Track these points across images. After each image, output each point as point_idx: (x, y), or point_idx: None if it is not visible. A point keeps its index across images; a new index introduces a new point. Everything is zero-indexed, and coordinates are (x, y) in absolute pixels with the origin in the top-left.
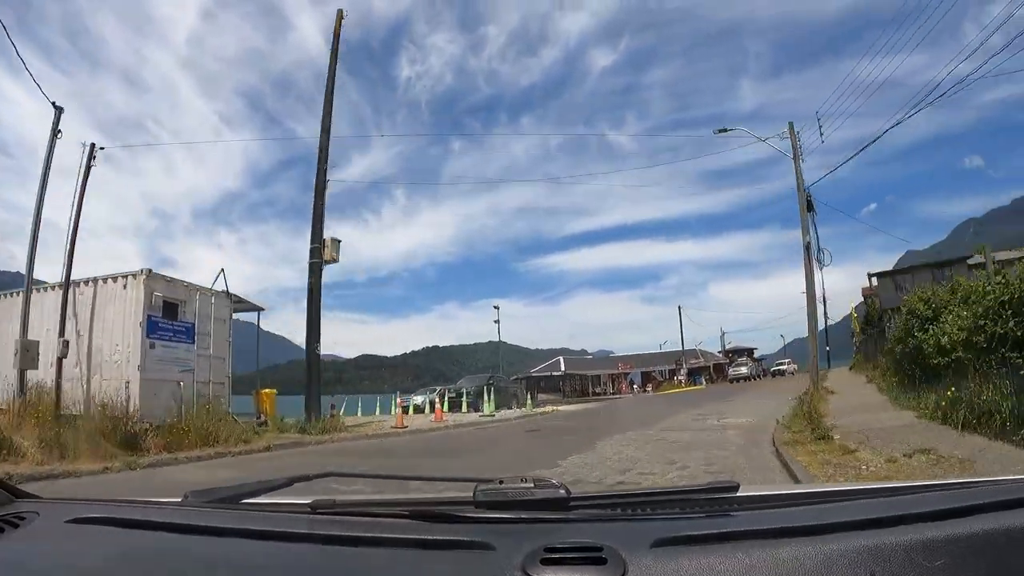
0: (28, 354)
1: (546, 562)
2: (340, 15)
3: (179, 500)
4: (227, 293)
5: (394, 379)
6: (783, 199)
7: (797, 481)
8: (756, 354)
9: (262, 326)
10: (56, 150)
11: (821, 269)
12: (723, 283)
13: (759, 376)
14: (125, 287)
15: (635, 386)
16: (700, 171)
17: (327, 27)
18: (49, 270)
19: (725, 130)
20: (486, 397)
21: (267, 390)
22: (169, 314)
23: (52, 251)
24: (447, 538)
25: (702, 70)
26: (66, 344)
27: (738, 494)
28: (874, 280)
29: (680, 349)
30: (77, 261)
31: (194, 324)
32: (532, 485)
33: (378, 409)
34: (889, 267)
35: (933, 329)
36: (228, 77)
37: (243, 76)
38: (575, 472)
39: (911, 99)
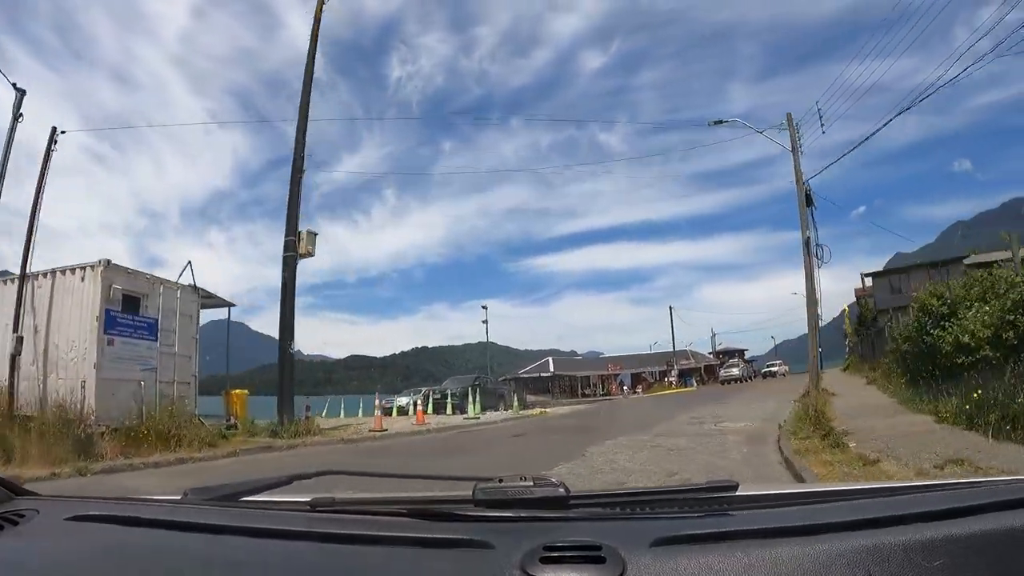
0: None
1: (545, 561)
2: None
3: (178, 498)
4: (194, 287)
5: (383, 379)
6: (773, 201)
7: None
8: (746, 355)
9: (250, 326)
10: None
11: (820, 266)
12: (713, 285)
13: (750, 378)
14: (83, 279)
15: (625, 387)
16: (690, 173)
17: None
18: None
19: (721, 122)
20: (471, 399)
21: (237, 391)
22: (130, 308)
23: (45, 250)
24: (446, 536)
25: (693, 72)
26: (20, 340)
27: (737, 493)
28: (868, 281)
29: (671, 350)
30: (68, 259)
31: (157, 320)
32: (531, 484)
33: (360, 411)
34: (878, 269)
35: (951, 326)
36: (218, 75)
37: (233, 74)
38: None
39: (910, 94)
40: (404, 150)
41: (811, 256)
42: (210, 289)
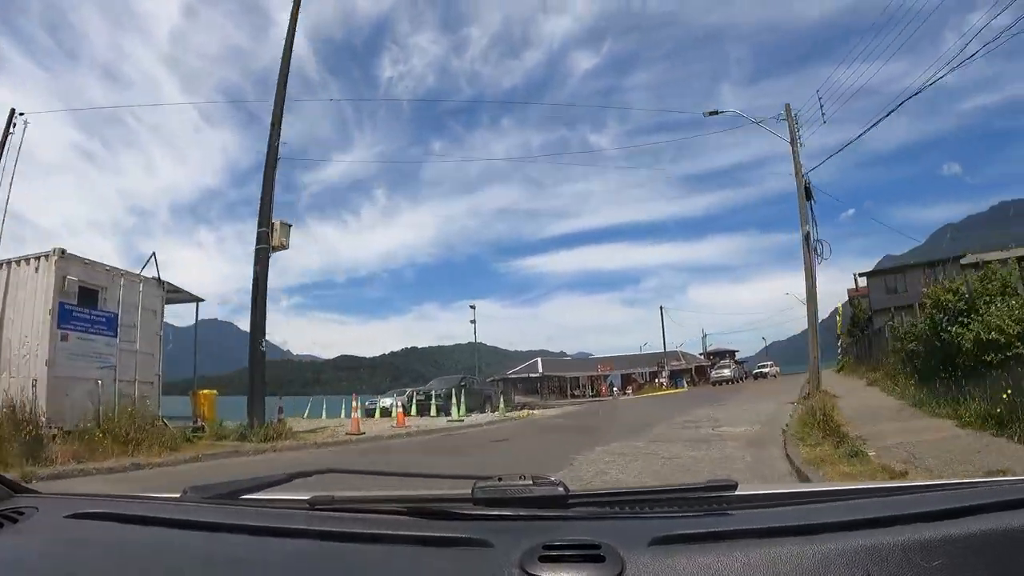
0: None
1: (544, 559)
2: None
3: (178, 496)
4: (158, 280)
5: (373, 380)
6: (764, 203)
7: None
8: (738, 356)
9: (239, 325)
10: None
11: (820, 262)
12: (703, 286)
13: (741, 379)
14: (37, 270)
15: (615, 388)
16: (681, 174)
17: (309, 27)
18: None
19: (717, 112)
20: (455, 400)
21: (205, 391)
22: (87, 302)
23: (33, 248)
24: (445, 535)
25: (684, 74)
26: None
27: (735, 493)
28: (861, 281)
29: (661, 351)
30: None
31: (117, 314)
32: (531, 482)
33: (343, 412)
34: (872, 270)
35: (972, 322)
36: (208, 73)
37: (223, 73)
38: None
39: (908, 92)
40: (395, 149)
41: (811, 252)
42: (202, 289)
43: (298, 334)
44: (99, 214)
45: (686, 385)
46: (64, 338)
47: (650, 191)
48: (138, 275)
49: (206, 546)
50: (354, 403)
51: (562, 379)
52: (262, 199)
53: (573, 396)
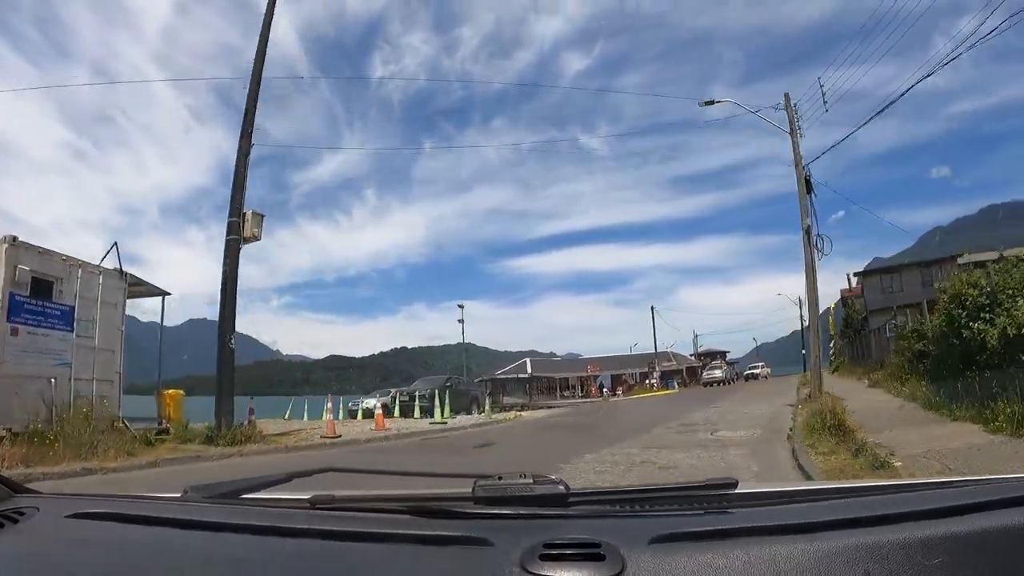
0: None
1: (544, 558)
2: None
3: (179, 495)
4: (120, 272)
5: (362, 380)
6: (752, 206)
7: None
8: (728, 357)
9: None
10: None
11: (821, 258)
12: (693, 287)
13: (732, 380)
14: None
15: (605, 389)
16: (671, 176)
17: (300, 25)
18: None
19: (712, 102)
20: (438, 401)
21: (171, 391)
22: (41, 293)
23: None
24: (446, 534)
25: (674, 76)
26: None
27: (736, 491)
28: (854, 281)
29: (652, 351)
30: None
31: (74, 307)
32: (531, 481)
33: (324, 413)
34: (868, 269)
35: (998, 317)
36: (198, 71)
37: (213, 71)
38: None
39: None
40: (385, 148)
41: (812, 247)
42: (192, 287)
43: (288, 334)
44: (88, 213)
45: (677, 386)
46: (14, 332)
47: (640, 192)
48: (98, 266)
49: (207, 546)
50: (328, 404)
51: (551, 380)
52: (233, 188)
53: (563, 397)
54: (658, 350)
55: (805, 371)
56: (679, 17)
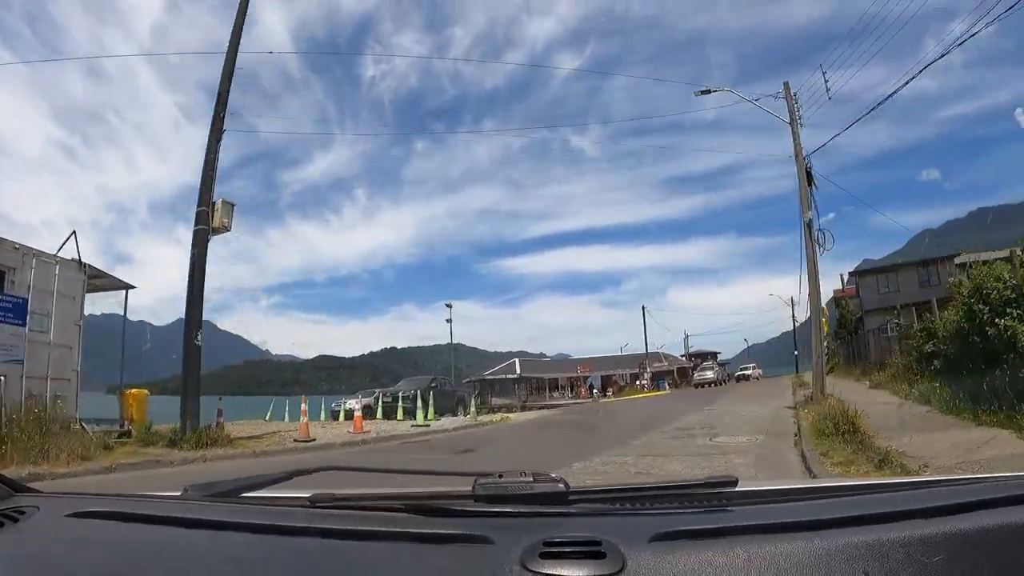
0: None
1: (545, 556)
2: None
3: (179, 494)
4: (79, 262)
5: (352, 380)
6: (742, 208)
7: None
8: (719, 358)
9: (218, 325)
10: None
11: (823, 253)
12: (683, 289)
13: (724, 381)
14: None
15: (595, 390)
16: (663, 178)
17: (291, 24)
18: None
19: (708, 91)
20: (420, 403)
21: (134, 390)
22: None
23: None
24: (446, 532)
25: (666, 77)
26: None
27: (736, 489)
28: (847, 281)
29: (643, 352)
30: None
31: (27, 299)
32: (531, 479)
33: (307, 414)
34: (864, 269)
35: None
36: (189, 69)
37: (204, 69)
38: None
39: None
40: (376, 149)
41: (813, 242)
42: (182, 286)
43: (278, 334)
44: (77, 211)
45: (668, 387)
46: None
47: (632, 193)
48: (55, 256)
49: (208, 544)
50: (303, 405)
51: (540, 380)
52: (203, 175)
53: (552, 398)
54: (649, 351)
55: (797, 372)
56: (671, 19)
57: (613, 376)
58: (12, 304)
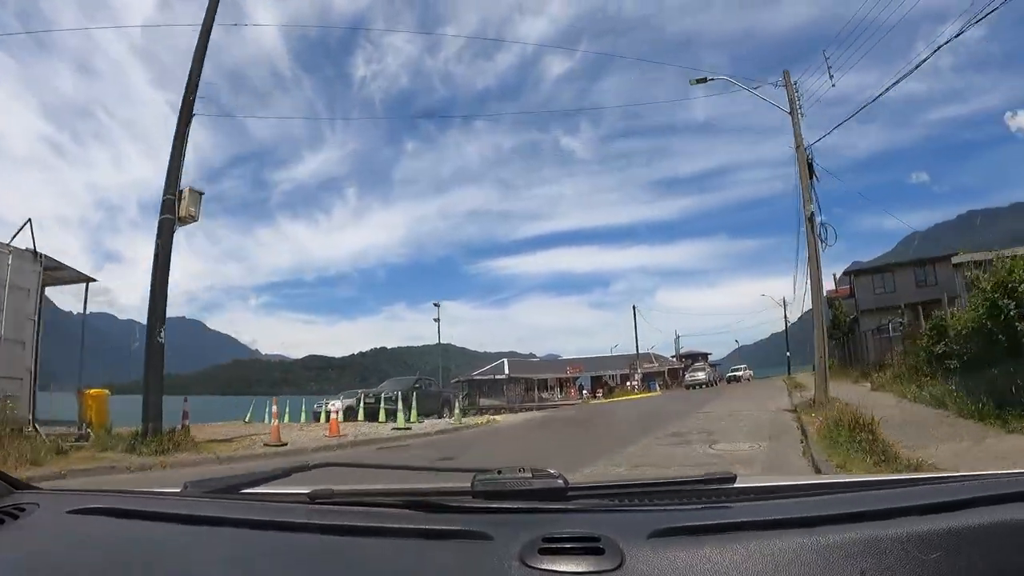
0: None
1: (544, 552)
2: None
3: (179, 490)
4: (34, 252)
5: (341, 380)
6: (732, 210)
7: None
8: (710, 359)
9: (207, 323)
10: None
11: (825, 248)
12: (672, 290)
13: (715, 382)
14: None
15: (585, 391)
16: (652, 179)
17: (283, 23)
18: None
19: (704, 79)
20: (401, 405)
21: (94, 390)
22: None
23: None
24: (445, 528)
25: (657, 79)
26: None
27: (735, 485)
28: (841, 281)
29: (633, 353)
30: None
31: None
32: (530, 475)
33: (287, 416)
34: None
35: None
36: (182, 68)
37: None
38: None
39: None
40: (367, 149)
41: (816, 236)
42: (172, 287)
43: (267, 333)
44: (66, 209)
45: (659, 388)
46: None
47: (621, 195)
48: (7, 246)
49: (207, 540)
50: (274, 407)
51: (529, 381)
52: (171, 161)
53: (541, 399)
54: (639, 351)
55: (789, 373)
56: (661, 20)
57: (603, 377)
58: None
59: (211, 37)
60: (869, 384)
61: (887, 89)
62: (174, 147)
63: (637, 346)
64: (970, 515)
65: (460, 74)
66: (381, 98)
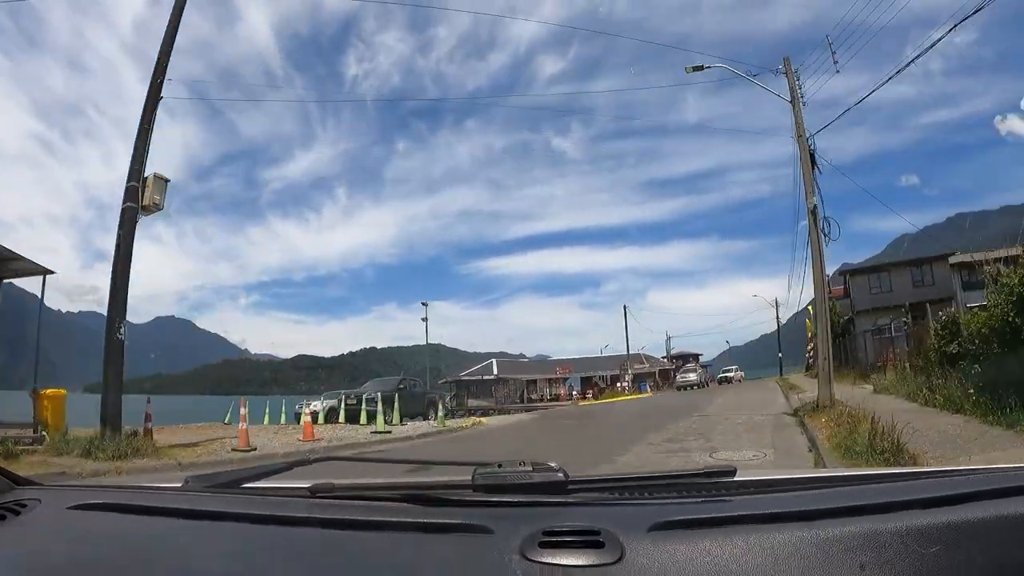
0: None
1: (544, 545)
2: None
3: (180, 485)
4: None
5: (331, 380)
6: (722, 212)
7: None
8: (701, 360)
9: (197, 323)
10: None
11: (828, 243)
12: (663, 291)
13: (707, 384)
14: None
15: (574, 392)
16: (642, 180)
17: (276, 23)
18: None
19: (700, 67)
20: (381, 407)
21: (51, 391)
22: None
23: None
24: (446, 521)
25: (649, 79)
26: None
27: (736, 479)
28: (834, 281)
29: (624, 353)
30: None
31: None
32: (530, 469)
33: (266, 417)
34: (856, 268)
35: None
36: (174, 67)
37: (188, 66)
38: None
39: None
40: (358, 147)
41: (818, 230)
42: (161, 285)
43: (257, 333)
44: (56, 207)
45: (650, 389)
46: None
47: (612, 196)
48: None
49: (209, 535)
50: (242, 409)
51: (518, 382)
52: (135, 148)
53: (530, 400)
54: (630, 352)
55: (781, 374)
56: (655, 22)
57: (593, 378)
58: None
59: (185, 19)
60: (871, 386)
61: (889, 78)
62: (139, 132)
63: (628, 347)
64: (970, 509)
65: (452, 74)
66: (373, 97)
